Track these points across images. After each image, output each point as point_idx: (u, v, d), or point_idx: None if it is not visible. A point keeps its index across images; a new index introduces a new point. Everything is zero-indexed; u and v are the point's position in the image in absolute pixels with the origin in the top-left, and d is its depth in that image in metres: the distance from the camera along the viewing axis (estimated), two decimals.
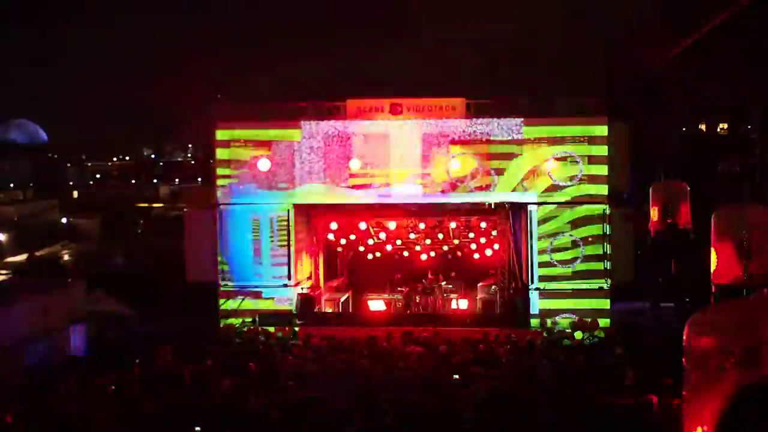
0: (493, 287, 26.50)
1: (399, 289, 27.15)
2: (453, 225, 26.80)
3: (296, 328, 22.46)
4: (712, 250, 14.85)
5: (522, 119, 23.14)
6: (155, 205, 70.10)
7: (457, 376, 15.67)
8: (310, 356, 18.08)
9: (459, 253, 28.21)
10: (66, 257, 45.62)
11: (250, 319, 23.17)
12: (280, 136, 23.85)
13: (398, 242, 28.33)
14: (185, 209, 26.33)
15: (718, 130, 36.07)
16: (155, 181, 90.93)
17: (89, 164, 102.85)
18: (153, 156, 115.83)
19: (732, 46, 26.42)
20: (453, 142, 23.31)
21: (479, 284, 27.32)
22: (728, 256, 14.33)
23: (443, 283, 26.90)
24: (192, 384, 15.24)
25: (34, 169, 78.36)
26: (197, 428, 12.28)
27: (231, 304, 23.74)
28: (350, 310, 26.98)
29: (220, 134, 24.06)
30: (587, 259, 22.92)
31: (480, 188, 23.34)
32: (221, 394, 14.44)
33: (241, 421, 12.82)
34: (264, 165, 23.59)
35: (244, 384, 15.24)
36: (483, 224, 26.61)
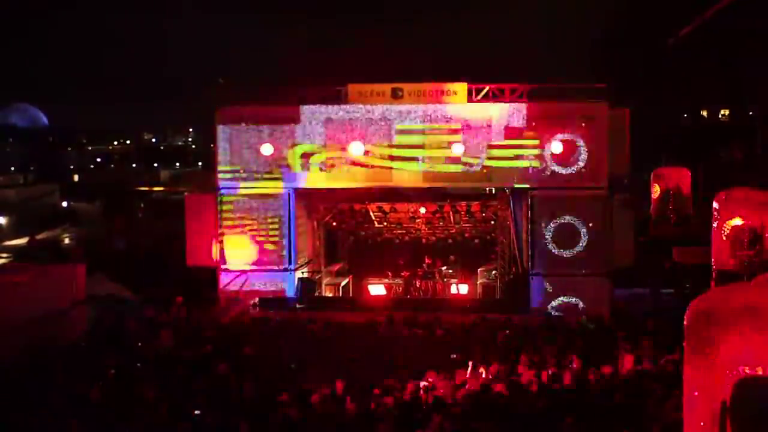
0: (494, 272, 26.52)
1: (399, 273, 27.16)
2: (454, 210, 26.79)
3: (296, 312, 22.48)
4: (712, 235, 14.84)
5: (523, 104, 23.09)
6: (156, 188, 70.12)
7: (454, 356, 15.70)
8: (310, 340, 18.08)
9: (459, 238, 28.20)
10: (66, 241, 45.65)
11: (250, 303, 23.20)
12: (281, 120, 23.82)
13: (399, 227, 28.32)
14: (186, 193, 26.31)
15: (720, 116, 36.01)
16: (156, 165, 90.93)
17: (90, 148, 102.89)
18: (153, 140, 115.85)
19: (734, 32, 26.32)
20: (454, 126, 23.26)
21: (479, 269, 27.34)
22: (728, 241, 14.31)
23: (443, 268, 26.90)
24: (192, 367, 15.25)
25: (35, 153, 78.37)
26: (196, 412, 12.31)
27: (231, 288, 23.76)
28: (351, 295, 27.01)
29: (221, 115, 24.07)
30: (587, 244, 22.90)
31: (481, 173, 23.30)
32: (221, 378, 14.46)
33: (240, 405, 12.84)
34: (267, 150, 23.59)
35: (243, 368, 15.25)
36: (484, 209, 26.61)
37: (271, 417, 12.09)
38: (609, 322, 20.23)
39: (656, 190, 24.07)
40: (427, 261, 26.89)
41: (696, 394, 4.76)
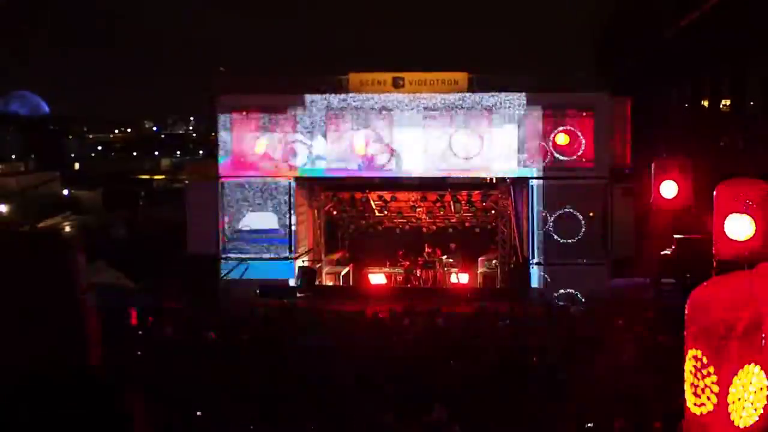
0: (494, 261, 26.52)
1: (400, 262, 27.15)
2: (454, 199, 26.78)
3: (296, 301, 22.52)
4: (714, 225, 14.84)
5: (524, 93, 23.08)
6: (156, 177, 70.07)
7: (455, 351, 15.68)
8: (311, 329, 18.09)
9: (460, 227, 28.18)
10: (67, 229, 45.63)
11: (250, 291, 23.23)
12: (281, 109, 23.81)
13: (399, 216, 28.28)
14: (187, 181, 26.32)
15: (721, 106, 35.91)
16: (156, 153, 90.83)
17: (91, 136, 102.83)
18: (154, 128, 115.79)
19: (734, 21, 26.24)
20: (455, 116, 23.25)
21: (480, 258, 27.33)
22: (729, 230, 14.33)
23: (444, 257, 26.89)
24: (192, 355, 15.27)
25: (36, 141, 78.22)
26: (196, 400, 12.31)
27: (232, 276, 23.79)
28: (351, 284, 27.02)
29: (222, 103, 24.08)
30: (588, 233, 22.92)
31: (482, 162, 23.31)
32: (221, 365, 14.47)
33: (241, 392, 12.86)
34: (267, 139, 23.61)
35: (243, 356, 15.28)
36: (484, 198, 26.60)
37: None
38: (608, 310, 20.23)
39: (657, 180, 24.03)
40: (427, 250, 26.88)
41: (696, 384, 4.77)
